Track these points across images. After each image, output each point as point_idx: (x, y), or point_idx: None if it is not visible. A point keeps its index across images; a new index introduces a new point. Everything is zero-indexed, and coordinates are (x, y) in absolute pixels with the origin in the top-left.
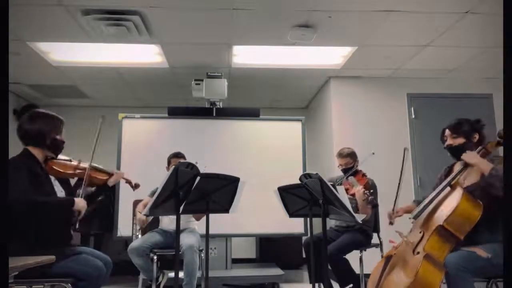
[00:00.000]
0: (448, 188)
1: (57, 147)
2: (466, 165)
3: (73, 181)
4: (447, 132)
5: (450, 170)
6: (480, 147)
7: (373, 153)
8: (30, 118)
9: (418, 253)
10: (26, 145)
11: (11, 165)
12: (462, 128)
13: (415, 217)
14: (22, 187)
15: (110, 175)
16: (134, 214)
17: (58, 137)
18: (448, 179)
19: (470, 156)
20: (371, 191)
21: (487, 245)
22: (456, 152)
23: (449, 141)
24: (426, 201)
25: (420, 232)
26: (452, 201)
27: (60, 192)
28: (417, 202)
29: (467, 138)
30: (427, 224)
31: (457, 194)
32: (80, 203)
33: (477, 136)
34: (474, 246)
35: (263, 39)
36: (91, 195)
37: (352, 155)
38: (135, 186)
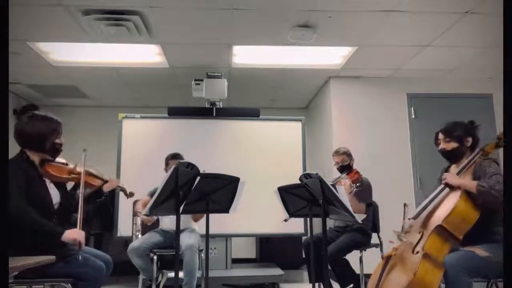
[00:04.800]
0: (447, 189)
1: (56, 150)
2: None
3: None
4: (440, 135)
5: (446, 172)
6: (477, 150)
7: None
8: (30, 121)
9: (417, 252)
10: (23, 147)
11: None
12: (455, 132)
13: (414, 218)
14: (15, 191)
15: (105, 181)
16: (134, 214)
17: (57, 140)
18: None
19: (452, 179)
20: (358, 184)
21: (486, 245)
22: (450, 156)
23: (442, 145)
24: (425, 202)
25: (419, 232)
26: (451, 201)
27: (55, 195)
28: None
29: (460, 142)
30: (426, 224)
31: (456, 194)
32: (72, 234)
33: (470, 140)
34: (474, 246)
35: (263, 39)
36: (88, 198)
37: (347, 153)
38: (130, 195)
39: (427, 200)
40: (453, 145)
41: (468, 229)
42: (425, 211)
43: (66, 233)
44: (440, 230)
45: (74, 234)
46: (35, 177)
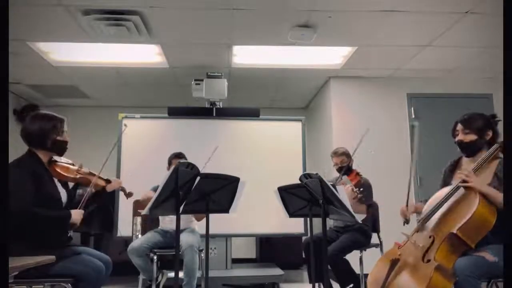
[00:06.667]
0: (462, 190)
1: (60, 148)
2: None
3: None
4: (459, 126)
5: (456, 164)
6: (496, 145)
7: (372, 152)
8: (31, 120)
9: (428, 260)
10: (29, 146)
11: (15, 167)
12: (475, 123)
13: (425, 220)
14: (24, 193)
15: (108, 182)
16: (134, 214)
17: (59, 138)
18: (458, 182)
19: (477, 184)
20: (361, 189)
21: (493, 248)
22: (466, 149)
23: (460, 136)
24: (436, 202)
25: (430, 237)
26: (468, 207)
27: (63, 194)
28: (426, 202)
29: (479, 135)
30: (438, 229)
31: (474, 199)
32: (76, 215)
33: (490, 134)
34: (482, 248)
35: (263, 39)
36: (93, 198)
37: (347, 154)
38: (128, 195)
39: (438, 200)
40: (471, 137)
41: (482, 236)
42: (437, 213)
43: (72, 213)
44: (453, 238)
45: (77, 215)
46: (43, 175)
